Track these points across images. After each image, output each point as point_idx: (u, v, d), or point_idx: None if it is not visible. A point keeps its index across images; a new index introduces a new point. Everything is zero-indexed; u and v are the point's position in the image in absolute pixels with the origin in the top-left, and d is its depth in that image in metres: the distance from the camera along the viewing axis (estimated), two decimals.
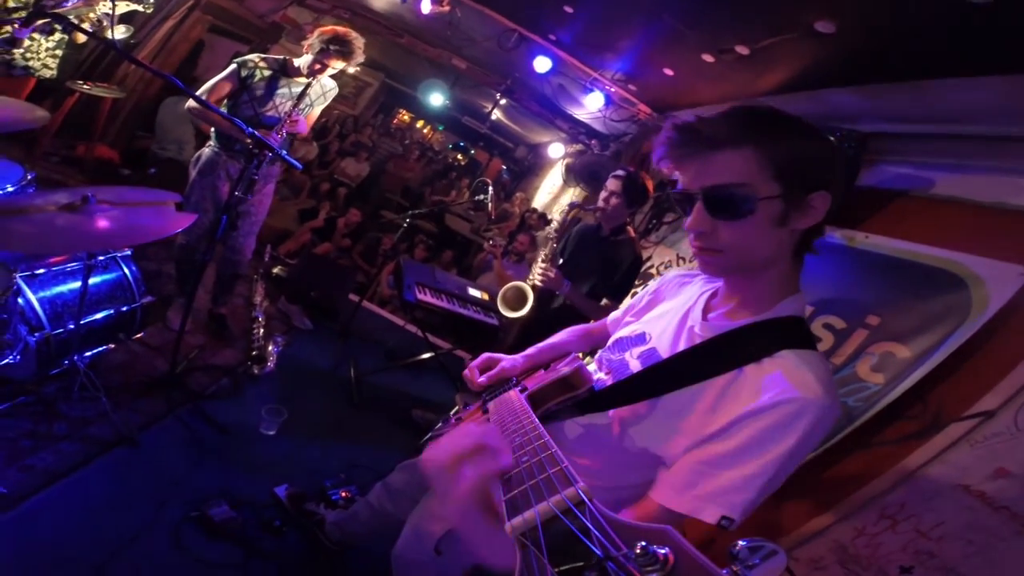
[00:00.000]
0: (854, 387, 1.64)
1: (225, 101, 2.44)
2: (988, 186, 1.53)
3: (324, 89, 2.60)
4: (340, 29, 2.41)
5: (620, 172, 2.40)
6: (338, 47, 2.38)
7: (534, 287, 2.37)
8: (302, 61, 2.47)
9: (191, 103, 2.31)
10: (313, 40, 2.42)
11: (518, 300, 2.43)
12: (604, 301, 2.33)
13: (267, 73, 2.45)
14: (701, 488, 0.77)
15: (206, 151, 2.54)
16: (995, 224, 1.51)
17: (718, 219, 0.80)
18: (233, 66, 2.42)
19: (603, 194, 2.40)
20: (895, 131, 1.78)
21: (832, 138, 1.73)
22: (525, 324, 2.49)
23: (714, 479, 0.76)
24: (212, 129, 2.54)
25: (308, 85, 2.46)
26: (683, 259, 3.04)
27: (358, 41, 2.43)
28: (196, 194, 2.54)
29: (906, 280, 1.67)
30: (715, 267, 0.87)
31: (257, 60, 2.46)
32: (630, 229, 2.46)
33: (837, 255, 1.89)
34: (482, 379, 1.08)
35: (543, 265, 2.34)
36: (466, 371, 1.12)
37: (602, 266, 2.37)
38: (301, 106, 2.46)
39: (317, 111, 2.66)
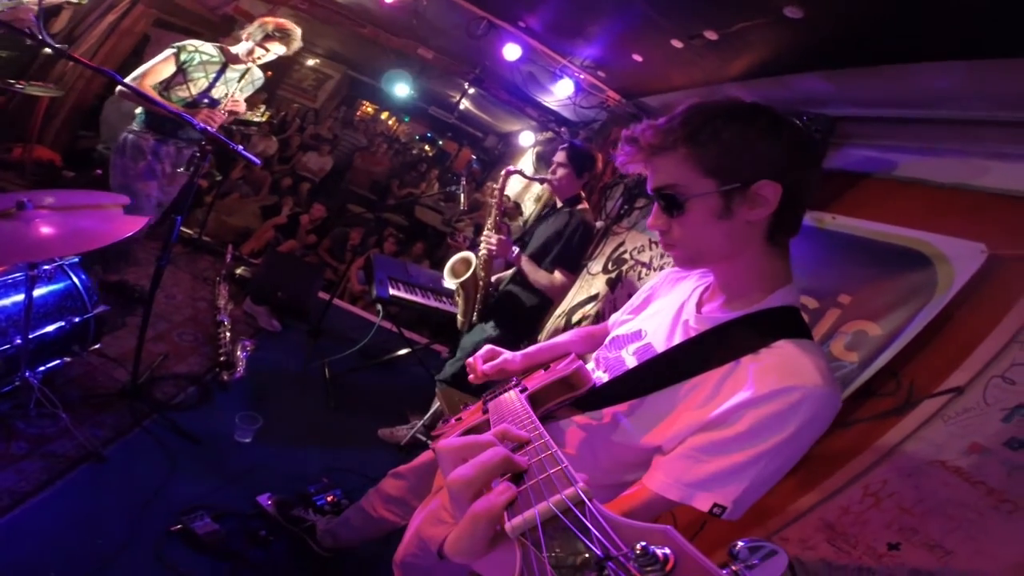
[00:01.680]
0: (832, 366, 1.68)
1: (156, 85, 2.44)
2: (950, 168, 1.59)
3: (253, 77, 2.74)
4: (280, 20, 2.58)
5: (564, 144, 2.45)
6: (279, 34, 2.53)
7: (484, 259, 2.34)
8: (240, 48, 2.57)
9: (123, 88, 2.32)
10: (253, 29, 2.54)
11: (466, 271, 2.42)
12: (556, 272, 2.29)
13: (210, 59, 2.52)
14: (693, 475, 0.77)
15: (129, 136, 2.53)
16: (957, 204, 1.56)
17: (670, 217, 0.86)
18: (171, 50, 2.44)
19: (551, 168, 2.43)
20: (862, 115, 1.82)
21: (799, 123, 1.76)
22: (481, 306, 2.47)
23: (706, 465, 0.76)
24: (138, 110, 2.55)
25: (247, 70, 2.65)
26: (655, 243, 3.07)
27: (297, 30, 2.59)
28: (120, 179, 2.53)
29: (874, 259, 1.72)
30: (677, 260, 0.92)
31: (197, 46, 2.49)
32: (584, 202, 2.48)
33: (807, 237, 1.91)
34: (485, 367, 1.11)
35: (487, 233, 2.32)
36: (470, 360, 1.13)
37: (547, 233, 2.38)
38: (239, 91, 2.65)
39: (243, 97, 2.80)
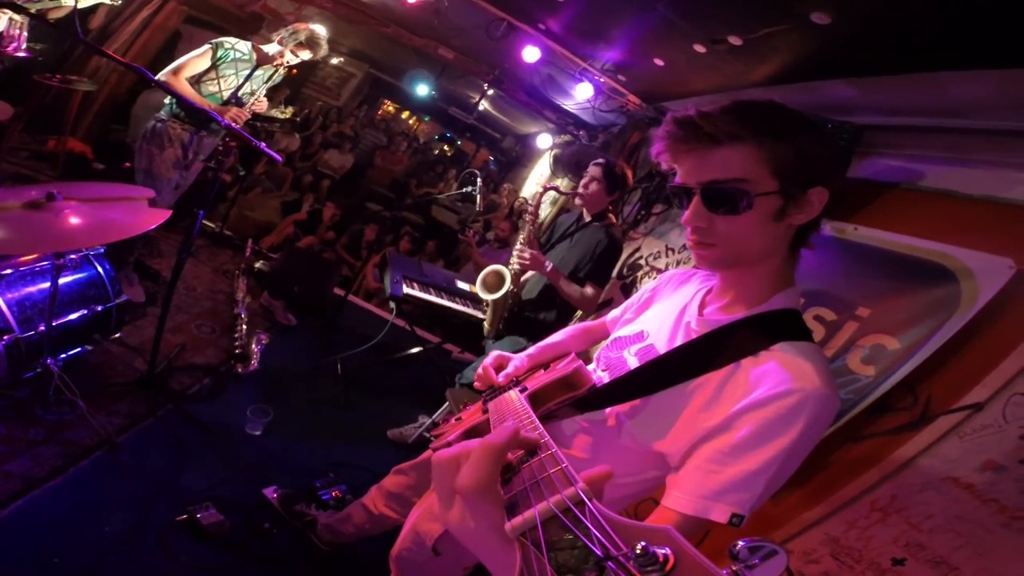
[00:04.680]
0: (845, 379, 1.64)
1: (189, 78, 2.57)
2: (979, 179, 1.54)
3: (278, 77, 2.89)
4: (313, 27, 2.75)
5: (600, 160, 2.44)
6: (309, 41, 2.70)
7: (515, 273, 2.36)
8: (270, 49, 2.71)
9: (162, 76, 2.50)
10: (287, 34, 2.69)
11: (497, 284, 2.43)
12: (587, 287, 2.32)
13: (241, 58, 2.65)
14: (707, 487, 0.76)
15: (158, 124, 2.64)
16: (985, 217, 1.51)
17: (715, 214, 0.80)
18: (208, 46, 2.57)
19: (583, 180, 2.43)
20: (888, 123, 1.77)
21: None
22: (507, 315, 2.48)
23: (718, 476, 0.75)
24: (167, 99, 2.68)
25: (275, 71, 2.80)
26: (672, 250, 3.04)
27: (324, 37, 2.78)
28: (146, 163, 2.64)
29: (896, 272, 1.67)
30: (710, 261, 0.87)
31: (233, 43, 2.62)
32: (611, 216, 2.47)
33: (827, 247, 1.89)
34: (500, 377, 1.08)
35: (519, 247, 2.33)
36: (480, 369, 1.11)
37: (581, 251, 2.38)
38: (263, 91, 2.79)
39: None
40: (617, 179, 2.38)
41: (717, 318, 0.89)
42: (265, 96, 2.85)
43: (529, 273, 2.42)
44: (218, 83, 2.61)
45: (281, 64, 2.73)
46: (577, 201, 2.49)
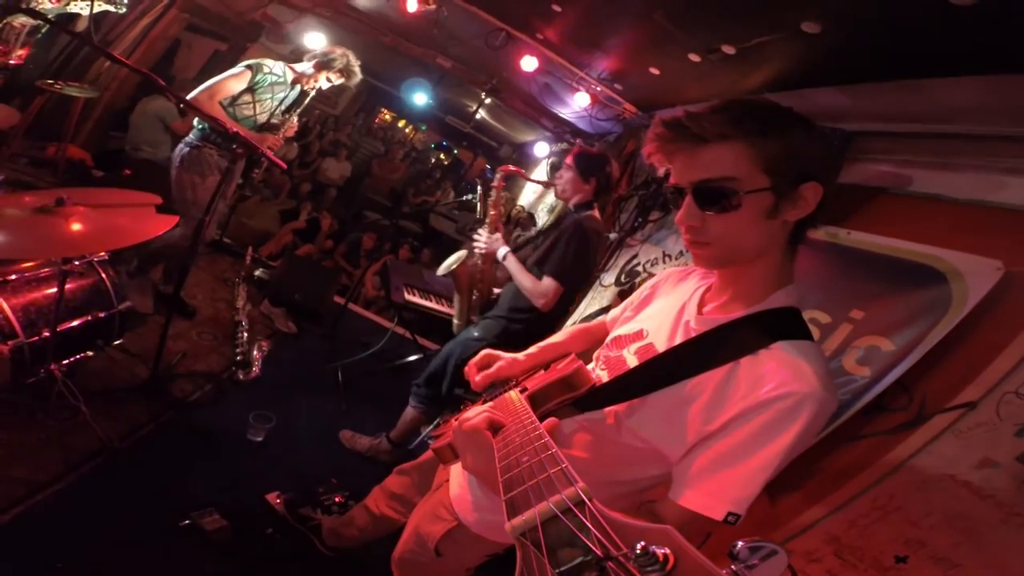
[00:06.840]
0: (842, 380, 1.67)
1: (224, 99, 2.46)
2: (967, 183, 1.58)
3: (307, 98, 2.78)
4: (349, 53, 2.69)
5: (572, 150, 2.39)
6: (345, 70, 2.64)
7: (481, 259, 2.33)
8: (304, 68, 2.63)
9: (193, 97, 2.37)
10: (321, 57, 2.60)
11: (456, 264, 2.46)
12: (545, 279, 2.10)
13: (278, 80, 2.56)
14: (710, 486, 0.77)
15: (192, 151, 2.52)
16: (973, 220, 1.55)
17: (707, 212, 0.81)
18: (244, 67, 2.46)
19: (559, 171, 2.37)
20: (878, 130, 1.82)
21: None
22: (476, 302, 2.46)
23: (720, 476, 0.77)
24: (199, 124, 2.55)
25: (305, 94, 2.69)
26: (669, 256, 3.07)
27: (357, 65, 2.72)
28: (190, 194, 2.53)
29: (888, 275, 1.70)
30: (706, 260, 0.88)
31: (271, 66, 2.53)
32: (595, 210, 2.32)
33: (821, 251, 1.93)
34: (478, 379, 1.08)
35: (479, 232, 2.31)
36: (466, 368, 1.11)
37: (551, 242, 2.22)
38: (296, 113, 2.70)
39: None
40: (589, 162, 2.23)
41: (716, 316, 0.89)
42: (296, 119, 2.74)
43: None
44: (253, 107, 2.51)
45: (312, 87, 2.65)
46: (555, 192, 2.39)
